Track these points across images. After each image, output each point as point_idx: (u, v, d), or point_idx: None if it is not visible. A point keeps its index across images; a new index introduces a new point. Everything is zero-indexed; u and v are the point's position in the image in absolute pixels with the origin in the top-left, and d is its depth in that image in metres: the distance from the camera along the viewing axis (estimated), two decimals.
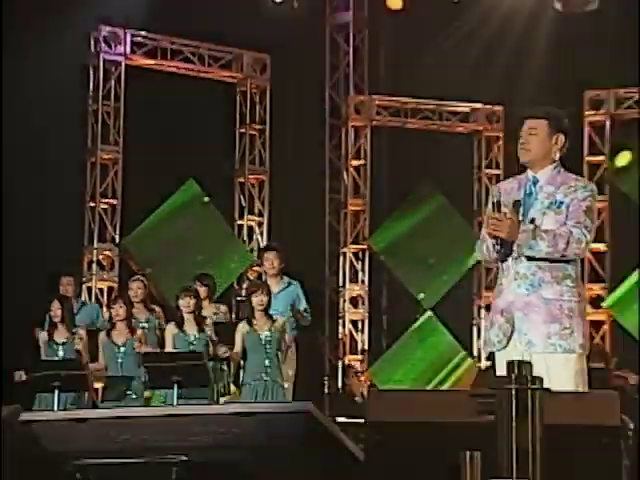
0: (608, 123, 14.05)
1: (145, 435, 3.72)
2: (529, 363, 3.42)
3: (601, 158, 13.67)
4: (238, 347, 9.14)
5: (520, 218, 4.94)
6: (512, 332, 4.94)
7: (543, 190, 5.03)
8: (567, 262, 4.95)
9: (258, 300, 9.10)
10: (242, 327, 9.15)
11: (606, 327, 13.69)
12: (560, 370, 4.78)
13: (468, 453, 3.36)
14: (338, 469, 3.89)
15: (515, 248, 4.91)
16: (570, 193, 4.99)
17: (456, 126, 14.69)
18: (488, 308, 14.48)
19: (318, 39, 14.49)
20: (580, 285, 5.02)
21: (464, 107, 14.63)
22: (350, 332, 14.10)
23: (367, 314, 14.18)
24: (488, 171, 14.61)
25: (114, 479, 3.86)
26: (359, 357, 13.84)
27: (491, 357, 5.20)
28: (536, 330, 4.89)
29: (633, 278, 13.43)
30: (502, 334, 4.97)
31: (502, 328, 4.97)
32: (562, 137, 5.08)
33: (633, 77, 13.54)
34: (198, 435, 3.68)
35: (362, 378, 11.24)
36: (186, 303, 9.25)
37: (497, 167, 14.62)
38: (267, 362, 9.03)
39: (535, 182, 5.07)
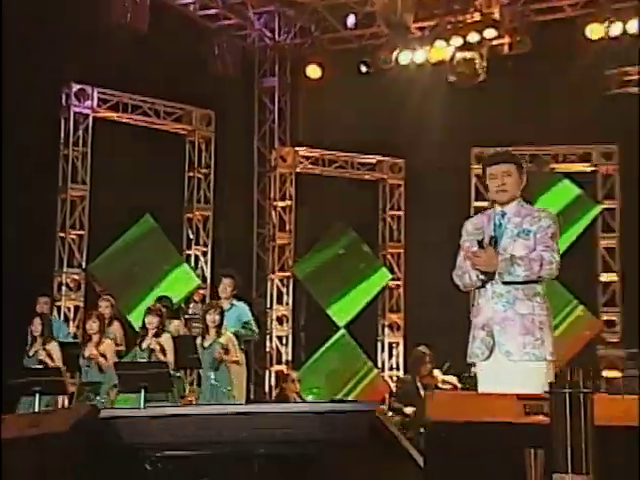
0: None
1: (218, 430, 3.58)
2: (580, 369, 3.35)
3: (486, 204, 13.86)
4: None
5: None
6: (493, 344, 4.84)
7: (511, 221, 4.96)
8: (536, 282, 4.87)
9: (211, 318, 9.02)
10: (197, 343, 9.07)
11: None
12: (534, 376, 4.69)
13: (532, 451, 3.23)
14: (398, 467, 3.75)
15: (497, 276, 4.82)
16: (535, 222, 4.93)
17: (365, 174, 14.76)
18: (391, 327, 14.65)
19: (250, 100, 14.55)
20: (547, 301, 4.92)
21: (372, 159, 14.72)
22: (276, 346, 14.04)
23: (291, 331, 14.12)
24: (391, 212, 14.68)
25: (191, 470, 3.72)
26: (284, 367, 13.77)
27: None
28: (513, 341, 4.80)
29: None
30: (484, 346, 4.86)
31: (484, 341, 4.87)
32: (525, 176, 5.08)
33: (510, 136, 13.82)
34: (268, 431, 3.54)
35: (297, 385, 11.18)
36: (150, 320, 9.13)
37: (399, 209, 14.70)
38: (212, 370, 8.92)
39: (503, 215, 5.00)
